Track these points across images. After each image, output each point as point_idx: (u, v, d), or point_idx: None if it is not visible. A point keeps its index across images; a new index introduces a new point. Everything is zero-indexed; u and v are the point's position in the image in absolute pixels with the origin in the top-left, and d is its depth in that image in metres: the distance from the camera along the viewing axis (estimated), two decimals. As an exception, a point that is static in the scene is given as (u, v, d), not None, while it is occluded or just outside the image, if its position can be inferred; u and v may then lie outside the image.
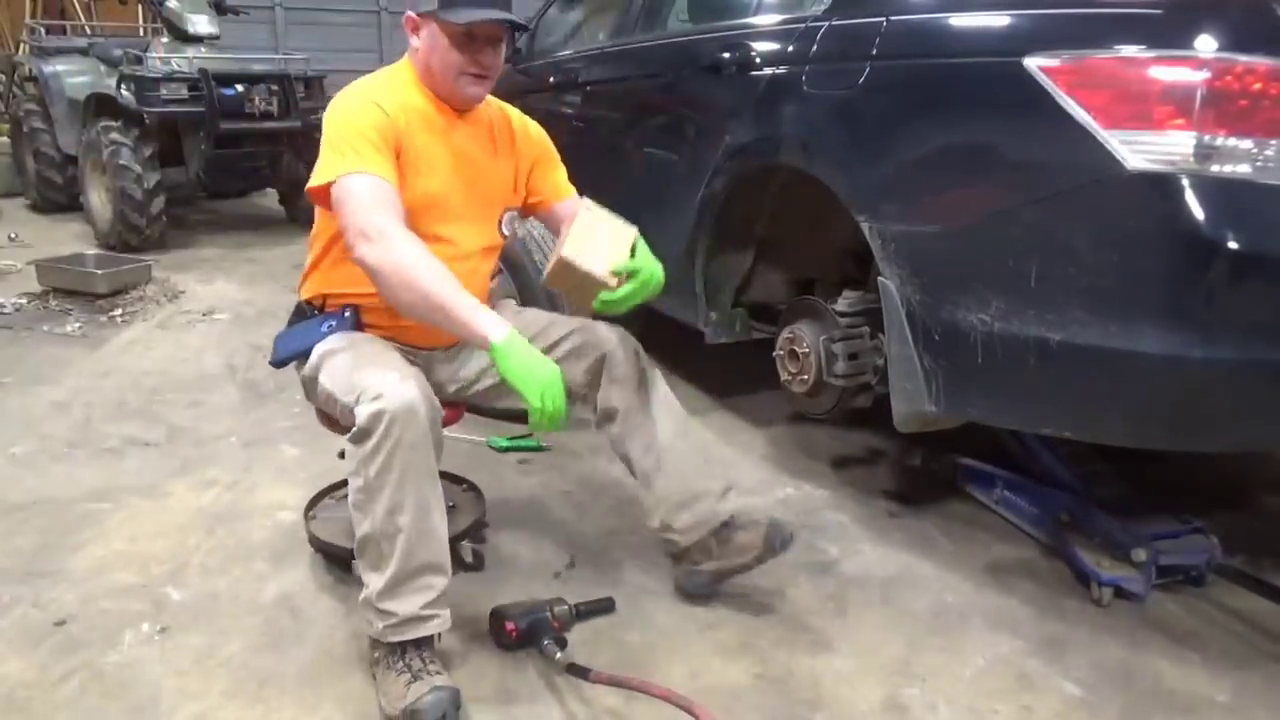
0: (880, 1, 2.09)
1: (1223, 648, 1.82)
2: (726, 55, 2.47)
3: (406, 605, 1.54)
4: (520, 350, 1.47)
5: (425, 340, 1.83)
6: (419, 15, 1.70)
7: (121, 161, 4.96)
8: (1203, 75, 1.54)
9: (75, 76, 5.90)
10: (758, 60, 2.38)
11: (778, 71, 2.33)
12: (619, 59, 3.24)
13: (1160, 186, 1.58)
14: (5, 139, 6.67)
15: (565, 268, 1.63)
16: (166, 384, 3.19)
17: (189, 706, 1.61)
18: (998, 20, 1.85)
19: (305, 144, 5.79)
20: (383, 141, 1.62)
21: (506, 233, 1.90)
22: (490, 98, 1.85)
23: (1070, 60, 1.66)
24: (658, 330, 2.69)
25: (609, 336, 1.84)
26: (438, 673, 1.56)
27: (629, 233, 1.72)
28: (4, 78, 7.63)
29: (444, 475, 1.68)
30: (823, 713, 1.63)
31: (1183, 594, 1.99)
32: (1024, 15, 1.79)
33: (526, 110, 1.97)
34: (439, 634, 1.61)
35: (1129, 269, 1.63)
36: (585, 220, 1.69)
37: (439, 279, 1.50)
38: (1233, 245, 1.53)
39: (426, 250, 1.54)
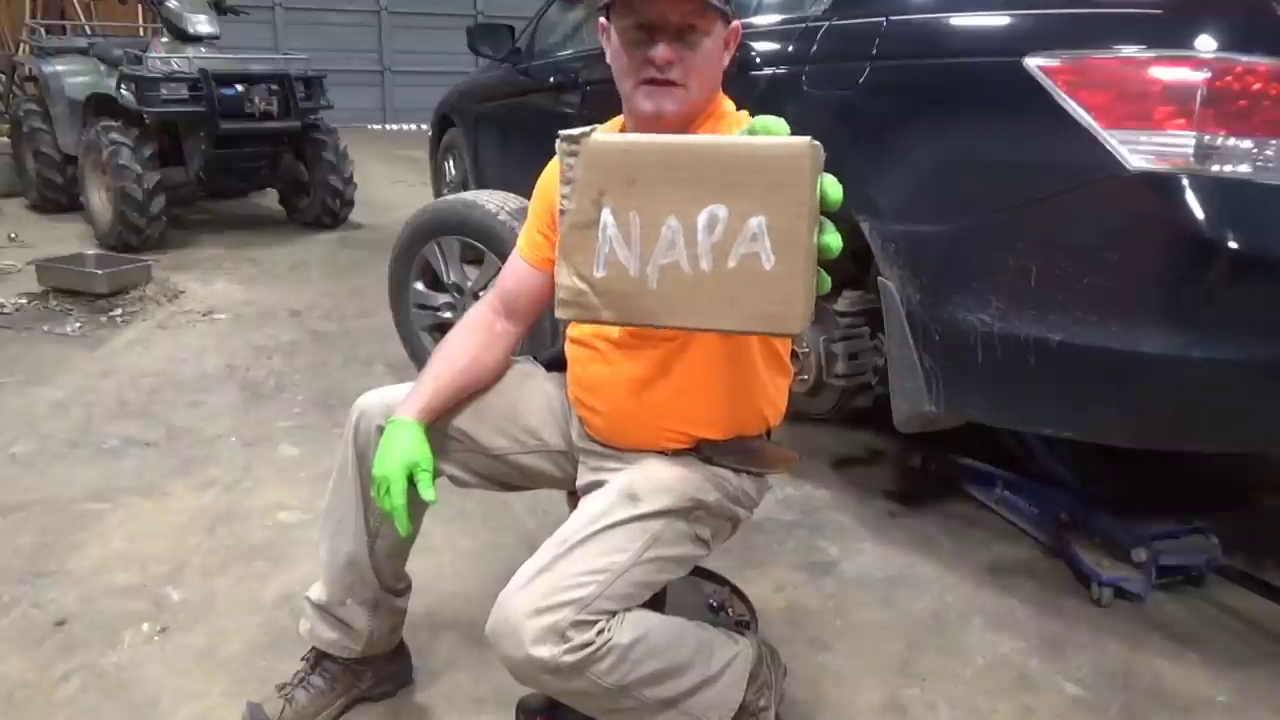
0: (880, 1, 2.09)
1: (1223, 648, 1.82)
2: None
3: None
4: (391, 439, 1.33)
5: (591, 419, 1.45)
6: (605, 18, 1.32)
7: (121, 161, 4.96)
8: (1203, 75, 1.54)
9: (75, 76, 5.90)
10: (757, 60, 2.38)
11: (778, 71, 2.33)
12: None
13: (1160, 186, 1.58)
14: (5, 139, 6.67)
15: None
16: (166, 384, 3.19)
17: (189, 706, 1.61)
18: (998, 20, 1.85)
19: (305, 144, 5.81)
20: (539, 205, 1.47)
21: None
22: (740, 115, 1.39)
23: (1070, 60, 1.66)
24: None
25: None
26: (282, 687, 1.57)
27: None
28: (4, 78, 7.65)
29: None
30: (823, 713, 1.63)
31: (1183, 594, 1.99)
32: (1024, 15, 1.79)
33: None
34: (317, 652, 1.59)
35: (1129, 269, 1.63)
36: None
37: (433, 357, 1.45)
38: (1233, 245, 1.53)
39: (466, 336, 1.46)
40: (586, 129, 0.96)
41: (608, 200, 0.95)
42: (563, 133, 0.95)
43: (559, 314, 1.00)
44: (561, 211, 0.97)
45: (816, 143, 0.90)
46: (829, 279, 0.94)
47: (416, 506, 1.36)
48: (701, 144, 0.95)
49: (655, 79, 1.26)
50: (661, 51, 1.24)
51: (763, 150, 0.91)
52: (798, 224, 0.90)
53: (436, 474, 1.38)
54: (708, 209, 0.92)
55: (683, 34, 1.24)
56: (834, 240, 0.94)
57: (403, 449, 1.32)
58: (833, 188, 0.93)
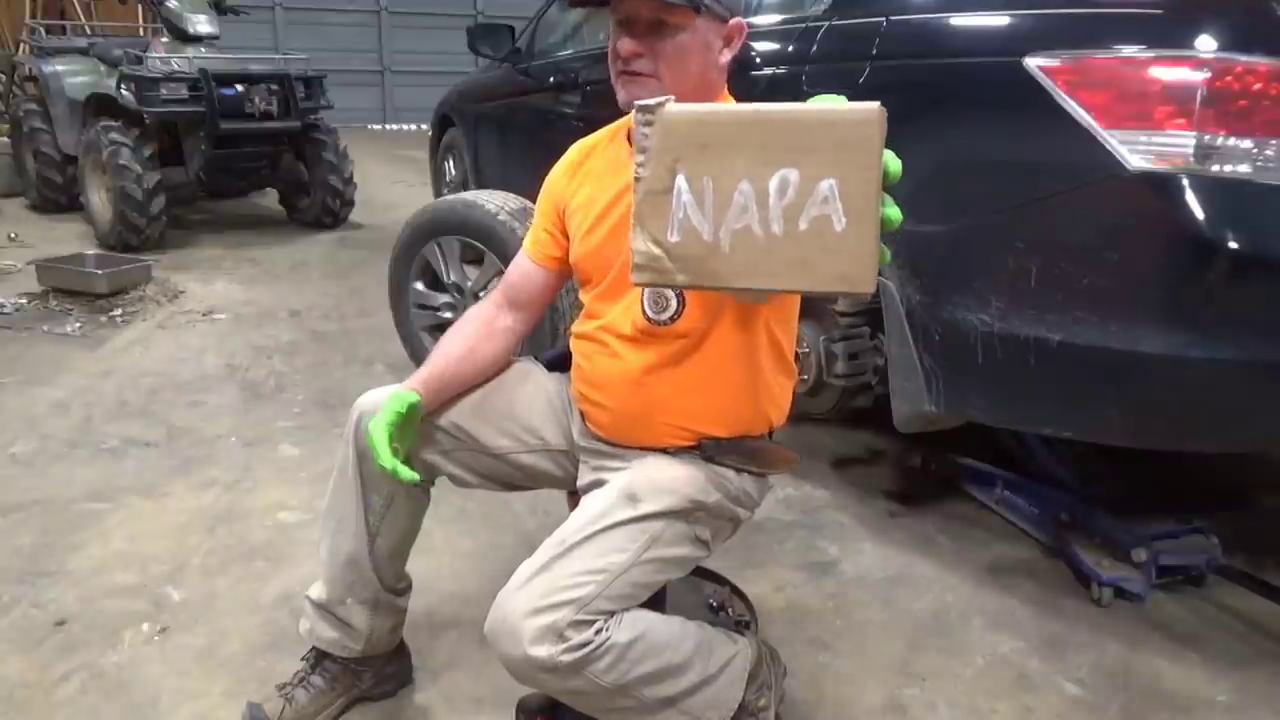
0: (880, 1, 2.09)
1: (1223, 648, 1.82)
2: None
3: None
4: (380, 412, 1.33)
5: (593, 411, 1.44)
6: None
7: (121, 161, 4.96)
8: (1203, 75, 1.54)
9: (75, 76, 5.90)
10: (758, 60, 2.38)
11: (778, 71, 2.33)
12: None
13: (1160, 186, 1.58)
14: (5, 139, 6.67)
15: None
16: (166, 384, 3.19)
17: (189, 706, 1.61)
18: (998, 20, 1.85)
19: (305, 144, 5.81)
20: (545, 204, 1.48)
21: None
22: None
23: (1070, 60, 1.66)
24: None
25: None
26: (283, 686, 1.57)
27: None
28: (4, 78, 7.65)
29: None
30: (823, 713, 1.63)
31: (1183, 594, 1.99)
32: (1024, 15, 1.79)
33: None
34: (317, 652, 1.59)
35: (1129, 269, 1.63)
36: None
37: (433, 351, 1.47)
38: (1233, 245, 1.53)
39: (464, 328, 1.47)
40: (662, 99, 0.99)
41: (682, 167, 0.98)
42: (639, 102, 0.99)
43: (633, 279, 1.03)
44: (636, 179, 1.00)
45: (884, 109, 0.93)
46: (888, 251, 0.97)
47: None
48: (773, 110, 0.98)
49: (626, 70, 1.31)
50: (625, 44, 1.29)
51: (834, 114, 0.95)
52: (868, 186, 0.93)
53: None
54: (779, 173, 0.95)
55: (655, 28, 1.28)
56: (895, 213, 0.96)
57: (387, 403, 1.32)
58: (893, 161, 0.95)
